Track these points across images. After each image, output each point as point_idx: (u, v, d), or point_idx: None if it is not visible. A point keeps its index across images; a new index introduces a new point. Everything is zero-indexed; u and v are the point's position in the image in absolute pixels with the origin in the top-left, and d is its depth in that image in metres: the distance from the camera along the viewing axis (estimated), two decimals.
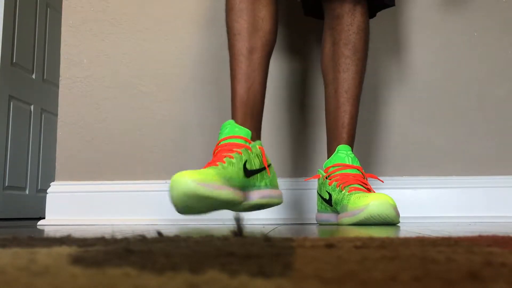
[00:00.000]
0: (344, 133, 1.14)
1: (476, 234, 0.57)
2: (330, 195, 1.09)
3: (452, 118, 1.38)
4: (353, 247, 0.40)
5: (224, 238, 0.49)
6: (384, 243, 0.43)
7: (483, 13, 1.41)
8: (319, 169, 1.16)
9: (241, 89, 1.05)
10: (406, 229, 0.83)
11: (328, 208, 1.12)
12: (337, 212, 1.08)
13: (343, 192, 1.05)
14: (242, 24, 1.07)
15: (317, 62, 1.42)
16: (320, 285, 0.23)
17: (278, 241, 0.46)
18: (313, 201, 1.32)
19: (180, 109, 1.44)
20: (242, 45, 1.07)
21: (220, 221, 1.27)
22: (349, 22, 1.14)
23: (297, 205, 1.35)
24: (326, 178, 1.10)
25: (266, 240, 0.46)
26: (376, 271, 0.27)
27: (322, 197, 1.13)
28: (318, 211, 1.16)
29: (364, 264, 0.30)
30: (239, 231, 0.51)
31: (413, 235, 0.62)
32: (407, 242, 0.45)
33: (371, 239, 0.47)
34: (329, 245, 0.41)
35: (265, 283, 0.23)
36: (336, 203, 1.07)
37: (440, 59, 1.40)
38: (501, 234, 0.55)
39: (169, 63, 1.46)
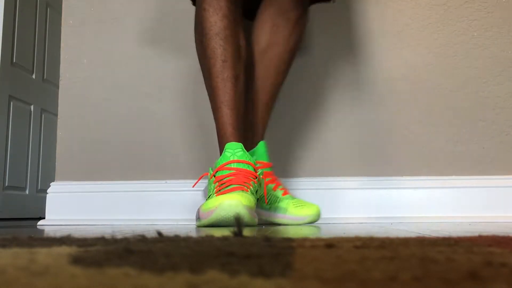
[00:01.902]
0: (262, 130, 1.21)
1: (476, 234, 0.57)
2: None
3: (452, 118, 1.38)
4: (353, 247, 0.40)
5: (224, 238, 0.49)
6: (384, 243, 0.43)
7: (483, 13, 1.41)
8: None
9: (234, 116, 1.07)
10: (406, 229, 0.83)
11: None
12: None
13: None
14: (229, 51, 1.08)
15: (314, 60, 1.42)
16: (320, 285, 0.23)
17: (278, 241, 0.46)
18: (313, 201, 1.32)
19: (180, 109, 1.44)
20: (230, 73, 1.07)
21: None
22: (292, 26, 1.19)
23: None
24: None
25: (266, 240, 0.46)
26: (376, 271, 0.27)
27: None
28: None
29: (364, 264, 0.30)
30: (239, 231, 0.51)
31: (413, 235, 0.62)
32: (407, 242, 0.45)
33: (371, 239, 0.47)
34: (329, 245, 0.41)
35: (265, 283, 0.23)
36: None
37: (440, 59, 1.40)
38: (501, 234, 0.55)
39: (169, 63, 1.46)
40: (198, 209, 1.02)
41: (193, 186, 1.26)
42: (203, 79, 1.14)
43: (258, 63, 1.21)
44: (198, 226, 1.01)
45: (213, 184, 1.03)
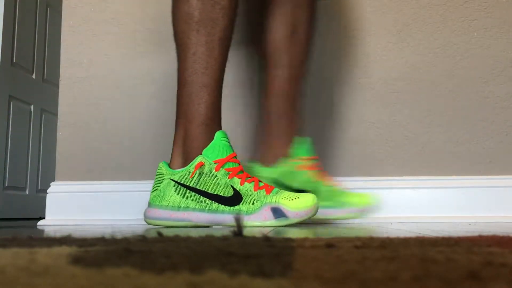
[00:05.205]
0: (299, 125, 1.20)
1: (476, 234, 0.57)
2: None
3: (452, 118, 1.38)
4: (353, 247, 0.40)
5: (224, 238, 0.49)
6: (384, 243, 0.43)
7: (483, 13, 1.41)
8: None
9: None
10: (406, 229, 0.83)
11: None
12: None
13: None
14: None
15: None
16: (320, 285, 0.23)
17: (278, 241, 0.46)
18: None
19: None
20: None
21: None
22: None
23: None
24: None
25: (266, 240, 0.46)
26: (376, 271, 0.27)
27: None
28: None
29: (364, 264, 0.30)
30: (239, 231, 0.51)
31: (413, 235, 0.62)
32: (407, 242, 0.45)
33: (371, 239, 0.47)
34: (329, 245, 0.41)
35: (265, 283, 0.23)
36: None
37: (440, 58, 1.40)
38: (501, 234, 0.55)
39: (169, 63, 1.46)
40: (280, 207, 0.93)
41: (191, 176, 1.14)
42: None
43: (282, 51, 1.14)
44: (285, 225, 0.95)
45: (225, 178, 0.95)
